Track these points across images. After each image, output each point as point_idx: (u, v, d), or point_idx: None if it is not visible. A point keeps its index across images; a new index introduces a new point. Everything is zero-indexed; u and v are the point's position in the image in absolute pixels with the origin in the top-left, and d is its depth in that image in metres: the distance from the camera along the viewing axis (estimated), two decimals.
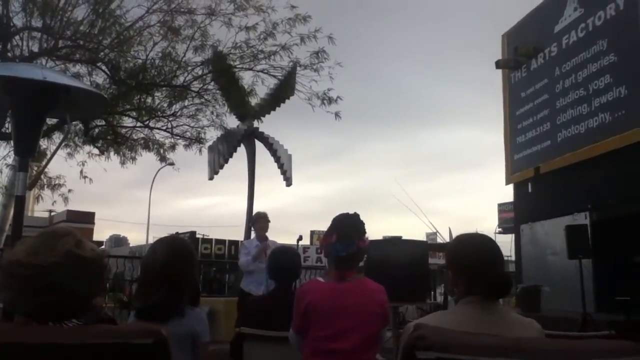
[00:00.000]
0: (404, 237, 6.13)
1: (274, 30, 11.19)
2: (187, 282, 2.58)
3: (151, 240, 26.76)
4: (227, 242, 25.68)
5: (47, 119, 6.99)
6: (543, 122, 11.68)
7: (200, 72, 11.46)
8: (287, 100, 13.12)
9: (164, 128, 12.30)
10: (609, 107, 9.82)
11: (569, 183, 10.67)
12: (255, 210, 13.90)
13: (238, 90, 12.19)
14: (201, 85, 11.73)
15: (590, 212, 9.90)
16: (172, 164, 14.25)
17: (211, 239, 27.03)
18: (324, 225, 2.94)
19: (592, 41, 10.39)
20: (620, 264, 8.92)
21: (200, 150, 12.79)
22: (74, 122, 9.91)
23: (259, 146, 14.51)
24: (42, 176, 11.85)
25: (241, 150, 14.33)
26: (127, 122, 12.48)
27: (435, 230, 9.87)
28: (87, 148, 12.33)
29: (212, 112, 12.50)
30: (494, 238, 2.27)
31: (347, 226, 2.80)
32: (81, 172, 12.16)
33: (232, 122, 13.47)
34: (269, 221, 6.73)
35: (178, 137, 12.58)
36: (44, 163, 11.28)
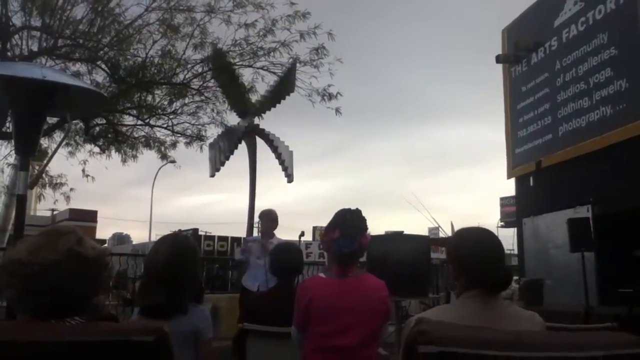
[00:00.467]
0: (406, 233, 6.11)
1: (274, 27, 11.19)
2: (190, 280, 2.59)
3: (154, 238, 26.84)
4: (229, 239, 25.68)
5: (48, 118, 7.01)
6: (544, 116, 11.66)
7: (200, 70, 11.46)
8: (287, 97, 13.13)
9: (165, 126, 12.33)
10: (609, 100, 9.80)
11: (571, 176, 10.66)
12: (257, 206, 13.97)
13: (238, 87, 12.19)
14: (201, 82, 11.72)
15: (593, 205, 9.89)
16: (173, 161, 14.30)
17: (214, 236, 27.04)
18: (326, 222, 2.94)
19: (592, 35, 10.36)
20: (623, 257, 8.91)
21: (201, 148, 12.81)
22: (74, 121, 9.92)
23: (260, 143, 14.55)
24: (43, 175, 11.88)
25: (242, 147, 14.37)
26: (128, 120, 12.51)
27: (437, 225, 9.86)
28: (88, 147, 12.38)
29: (212, 110, 12.53)
30: (496, 232, 2.28)
31: (350, 223, 2.79)
32: (83, 170, 12.20)
33: (232, 119, 13.49)
34: (274, 219, 6.54)
35: (179, 135, 12.60)
36: (45, 162, 11.29)
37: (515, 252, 13.38)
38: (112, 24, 10.73)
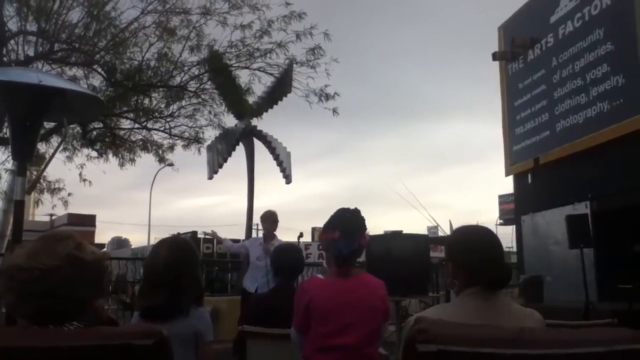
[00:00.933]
0: (405, 232, 6.13)
1: (270, 28, 11.16)
2: (190, 282, 2.59)
3: (153, 241, 26.78)
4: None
5: (45, 123, 7.01)
6: (541, 112, 11.68)
7: (196, 72, 11.44)
8: (284, 98, 13.12)
9: (162, 129, 12.30)
10: (606, 96, 9.81)
11: (569, 173, 10.67)
12: (256, 208, 13.96)
13: (235, 89, 12.16)
14: (198, 85, 11.71)
15: (591, 201, 9.90)
16: (171, 164, 14.26)
17: (213, 239, 27.00)
18: (324, 222, 2.93)
19: (588, 31, 10.38)
20: (622, 253, 8.93)
21: (199, 150, 12.80)
22: (71, 126, 9.91)
23: (258, 144, 14.52)
24: (41, 180, 11.85)
25: (240, 149, 14.33)
26: (125, 123, 12.47)
27: (436, 224, 9.86)
28: (86, 151, 12.32)
29: (209, 112, 12.50)
30: (495, 230, 2.28)
31: (350, 223, 2.79)
32: (80, 175, 12.18)
33: (230, 121, 13.48)
34: (276, 221, 6.76)
35: (176, 138, 12.57)
36: (42, 167, 11.27)
37: (514, 249, 13.40)
38: (108, 28, 10.70)
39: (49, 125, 9.09)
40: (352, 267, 2.81)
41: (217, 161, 13.72)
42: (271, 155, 14.42)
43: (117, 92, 11.20)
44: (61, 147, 11.18)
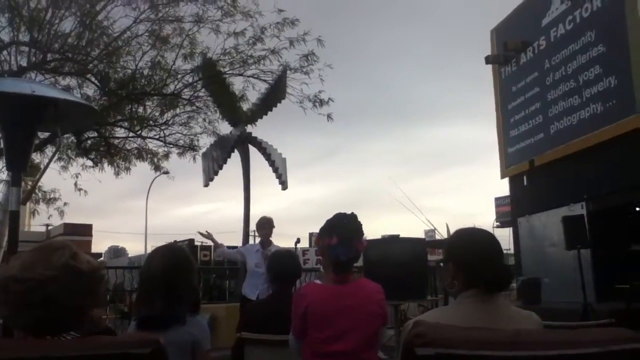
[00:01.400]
0: (402, 236, 6.13)
1: (263, 35, 11.18)
2: (185, 290, 2.57)
3: (150, 250, 26.70)
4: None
5: (39, 133, 6.99)
6: (535, 115, 11.73)
7: (190, 80, 11.44)
8: (278, 104, 13.13)
9: (157, 137, 12.27)
10: (599, 97, 9.87)
11: (564, 174, 10.71)
12: (253, 214, 13.93)
13: (229, 96, 12.18)
14: (192, 92, 11.70)
15: (587, 202, 9.94)
16: (166, 172, 14.24)
17: (210, 246, 26.92)
18: (321, 226, 2.92)
19: (580, 33, 10.44)
20: (619, 253, 8.95)
21: (194, 158, 12.77)
22: (66, 135, 9.88)
23: (253, 151, 14.52)
24: (36, 190, 11.81)
25: (235, 156, 14.33)
26: (120, 132, 12.45)
27: (432, 227, 9.86)
28: (81, 160, 12.31)
29: (204, 119, 12.50)
30: (491, 232, 2.28)
31: (347, 229, 2.78)
32: (75, 184, 12.15)
33: (225, 128, 13.48)
34: (273, 227, 6.80)
35: (171, 146, 12.54)
36: (37, 177, 11.24)
37: (512, 251, 13.42)
38: (100, 37, 10.70)
39: (43, 135, 9.07)
40: (350, 272, 2.81)
41: (212, 168, 13.71)
42: (267, 162, 14.42)
43: (111, 101, 11.19)
44: (56, 157, 11.18)
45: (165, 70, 11.11)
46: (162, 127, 12.12)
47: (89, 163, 12.36)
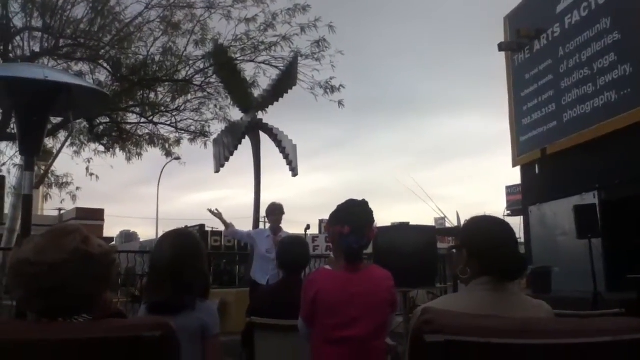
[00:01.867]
0: (412, 223, 6.11)
1: (274, 21, 11.15)
2: (195, 275, 2.57)
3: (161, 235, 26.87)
4: None
5: (52, 118, 7.03)
6: (548, 103, 11.61)
7: (201, 66, 11.45)
8: (289, 91, 13.10)
9: (168, 123, 12.34)
10: (614, 85, 9.74)
11: (577, 163, 10.62)
12: (263, 201, 13.95)
13: (240, 82, 12.16)
14: (203, 78, 11.72)
15: (599, 191, 9.86)
16: (178, 158, 14.32)
17: (220, 232, 27.05)
18: (332, 212, 2.92)
19: (595, 20, 10.29)
20: (630, 243, 8.88)
21: (205, 144, 12.82)
22: (78, 120, 9.93)
23: (264, 137, 14.50)
24: (49, 175, 11.91)
25: (246, 142, 14.32)
26: (131, 118, 12.51)
27: (443, 215, 9.85)
28: (93, 145, 12.38)
29: (215, 105, 12.53)
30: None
31: (359, 217, 2.78)
32: (87, 169, 12.23)
33: (236, 114, 13.47)
34: (283, 213, 6.84)
35: (183, 132, 12.60)
36: (50, 162, 11.33)
37: (522, 240, 13.37)
38: (112, 23, 10.73)
39: (56, 120, 9.13)
40: (361, 261, 2.81)
41: (223, 155, 13.70)
42: (277, 148, 14.41)
43: (123, 86, 11.23)
44: (68, 142, 11.24)
45: (177, 56, 11.12)
46: (174, 113, 12.17)
47: (101, 148, 12.45)
